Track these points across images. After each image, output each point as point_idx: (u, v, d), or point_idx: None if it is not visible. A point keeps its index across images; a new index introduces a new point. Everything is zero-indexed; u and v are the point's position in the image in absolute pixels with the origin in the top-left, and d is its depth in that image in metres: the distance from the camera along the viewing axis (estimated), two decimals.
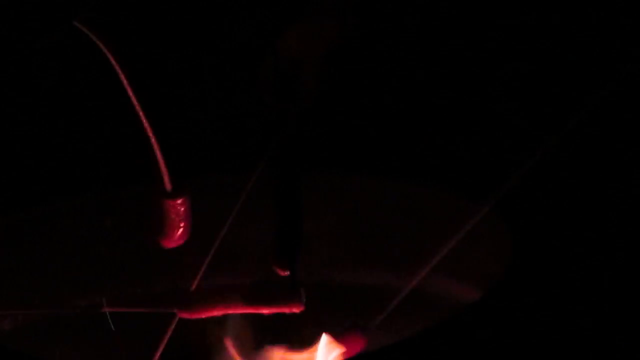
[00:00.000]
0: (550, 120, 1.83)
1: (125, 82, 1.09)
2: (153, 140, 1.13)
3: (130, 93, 1.12)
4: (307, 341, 1.26)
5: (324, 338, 1.21)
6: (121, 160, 1.62)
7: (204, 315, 1.13)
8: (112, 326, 1.21)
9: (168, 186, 1.15)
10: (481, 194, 1.41)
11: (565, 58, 2.03)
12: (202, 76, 1.85)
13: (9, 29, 1.40)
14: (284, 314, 1.13)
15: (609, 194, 1.73)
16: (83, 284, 1.34)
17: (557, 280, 1.48)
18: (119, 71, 1.09)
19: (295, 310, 1.10)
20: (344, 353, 1.26)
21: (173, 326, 1.18)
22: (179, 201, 1.16)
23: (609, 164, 1.79)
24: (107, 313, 1.21)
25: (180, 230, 1.16)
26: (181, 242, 1.19)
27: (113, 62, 1.09)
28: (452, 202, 1.38)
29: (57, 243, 1.35)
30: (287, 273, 1.18)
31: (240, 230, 1.33)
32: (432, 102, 1.94)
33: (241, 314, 1.16)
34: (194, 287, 1.22)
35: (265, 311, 1.10)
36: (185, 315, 1.13)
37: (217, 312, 1.11)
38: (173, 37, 1.89)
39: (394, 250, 1.32)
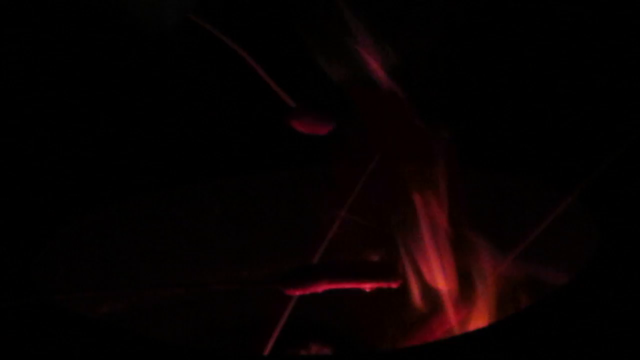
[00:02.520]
0: (633, 113, 1.86)
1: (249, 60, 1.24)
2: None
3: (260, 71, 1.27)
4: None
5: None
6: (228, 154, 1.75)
7: (308, 292, 1.22)
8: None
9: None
10: (569, 184, 1.47)
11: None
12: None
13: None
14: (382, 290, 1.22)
15: None
16: (192, 266, 1.47)
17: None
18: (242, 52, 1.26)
19: (394, 285, 1.19)
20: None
21: (291, 305, 1.29)
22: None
23: None
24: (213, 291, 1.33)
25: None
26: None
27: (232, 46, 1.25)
28: (544, 193, 1.43)
29: (168, 227, 1.46)
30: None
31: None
32: (524, 101, 2.02)
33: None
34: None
35: (366, 286, 1.19)
36: (291, 292, 1.22)
37: (320, 289, 1.20)
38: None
39: (488, 237, 1.40)
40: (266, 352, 1.31)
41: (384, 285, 1.21)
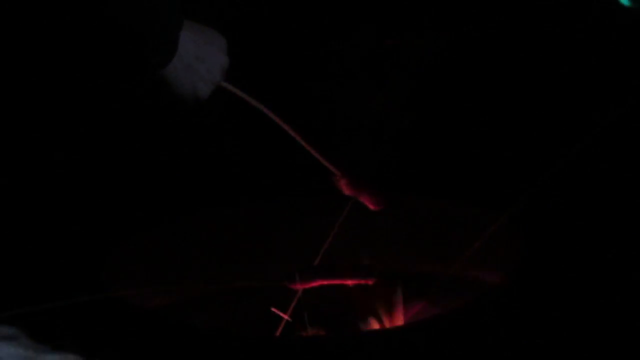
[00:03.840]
0: (557, 133, 2.21)
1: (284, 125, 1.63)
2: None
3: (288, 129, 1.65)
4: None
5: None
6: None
7: (307, 287, 1.64)
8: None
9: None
10: (501, 208, 1.83)
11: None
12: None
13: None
14: (360, 286, 1.65)
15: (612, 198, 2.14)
16: (223, 269, 1.88)
17: (561, 273, 1.92)
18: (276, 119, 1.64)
19: (369, 282, 1.62)
20: None
21: (297, 297, 1.69)
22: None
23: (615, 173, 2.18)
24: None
25: None
26: None
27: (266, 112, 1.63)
28: (480, 215, 1.82)
29: (205, 241, 1.88)
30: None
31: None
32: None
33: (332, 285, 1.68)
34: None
35: (349, 283, 1.62)
36: (295, 287, 1.64)
37: (316, 284, 1.63)
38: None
39: (434, 247, 1.82)
40: (277, 334, 1.73)
41: (362, 282, 1.64)
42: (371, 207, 1.72)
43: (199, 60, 1.58)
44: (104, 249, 1.89)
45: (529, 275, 1.79)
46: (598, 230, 2.06)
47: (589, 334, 1.86)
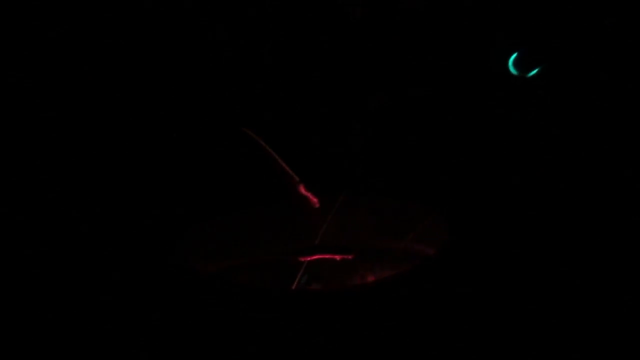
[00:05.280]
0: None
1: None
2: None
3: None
4: None
5: None
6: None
7: (310, 259, 2.46)
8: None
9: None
10: (435, 201, 2.51)
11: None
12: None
13: None
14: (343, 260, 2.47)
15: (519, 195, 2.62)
16: (259, 247, 2.59)
17: (476, 249, 2.44)
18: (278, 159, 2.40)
19: (349, 257, 2.46)
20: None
21: (304, 265, 2.44)
22: None
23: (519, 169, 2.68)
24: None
25: None
26: None
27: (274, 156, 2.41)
28: (417, 209, 2.52)
29: (247, 231, 2.60)
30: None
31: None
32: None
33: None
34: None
35: (337, 257, 2.45)
36: (303, 259, 2.46)
37: (316, 258, 2.46)
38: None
39: (391, 231, 2.54)
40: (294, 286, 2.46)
41: (345, 257, 2.48)
42: (314, 202, 2.47)
43: None
44: (177, 232, 2.50)
45: (452, 250, 2.41)
46: (503, 216, 2.59)
47: (497, 292, 2.36)
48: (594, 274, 2.42)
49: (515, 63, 2.44)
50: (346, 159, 2.64)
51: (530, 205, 2.62)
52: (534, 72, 2.44)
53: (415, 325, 2.23)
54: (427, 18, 2.61)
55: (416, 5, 2.49)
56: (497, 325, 2.28)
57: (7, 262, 2.59)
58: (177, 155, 2.77)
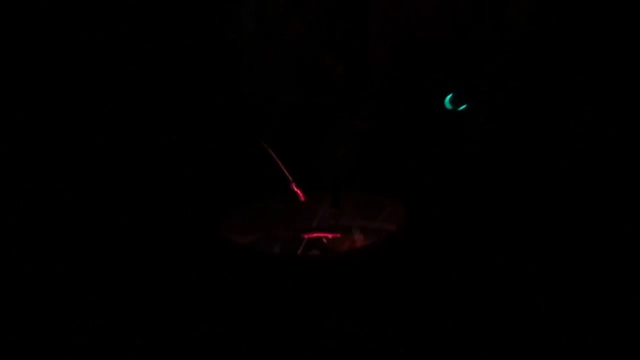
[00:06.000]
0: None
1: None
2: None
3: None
4: None
5: None
6: None
7: (311, 236, 3.43)
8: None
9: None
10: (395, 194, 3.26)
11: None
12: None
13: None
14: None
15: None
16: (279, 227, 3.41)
17: (429, 229, 3.20)
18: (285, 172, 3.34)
19: (338, 235, 3.49)
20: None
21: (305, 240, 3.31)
22: None
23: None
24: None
25: None
26: None
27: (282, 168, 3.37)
28: (384, 200, 3.30)
29: (272, 214, 3.41)
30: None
31: None
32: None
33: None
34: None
35: (329, 235, 3.47)
36: (306, 236, 3.33)
37: (314, 236, 3.46)
38: None
39: (365, 214, 3.34)
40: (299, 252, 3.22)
41: (334, 235, 3.41)
42: (301, 197, 3.34)
43: None
44: (219, 216, 3.22)
45: (409, 228, 3.07)
46: (447, 204, 3.32)
47: (440, 253, 3.06)
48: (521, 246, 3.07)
49: (450, 101, 3.40)
50: (333, 164, 3.57)
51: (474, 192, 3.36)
52: (463, 107, 3.40)
53: (383, 278, 3.02)
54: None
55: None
56: (437, 278, 3.05)
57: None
58: (213, 160, 3.60)
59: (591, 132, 3.23)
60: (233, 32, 3.42)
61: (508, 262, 3.06)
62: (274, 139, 3.34)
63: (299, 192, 3.33)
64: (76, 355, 2.86)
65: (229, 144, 3.57)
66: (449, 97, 3.31)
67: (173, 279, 3.15)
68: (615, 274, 2.96)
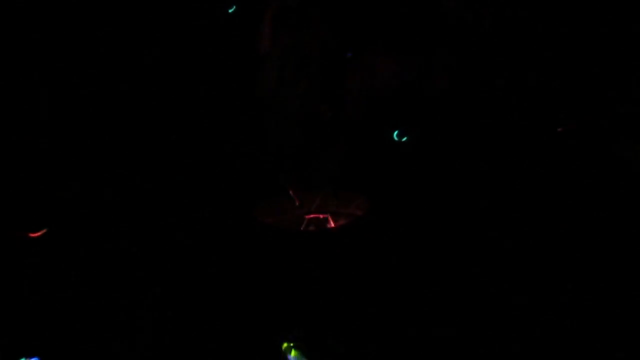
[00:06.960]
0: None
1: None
2: None
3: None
4: None
5: None
6: None
7: (310, 217, 5.69)
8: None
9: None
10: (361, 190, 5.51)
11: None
12: None
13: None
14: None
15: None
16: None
17: (387, 215, 5.07)
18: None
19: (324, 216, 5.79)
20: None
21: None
22: None
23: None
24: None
25: None
26: None
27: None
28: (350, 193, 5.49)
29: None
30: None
31: None
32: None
33: None
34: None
35: (321, 217, 5.73)
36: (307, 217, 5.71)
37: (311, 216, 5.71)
38: None
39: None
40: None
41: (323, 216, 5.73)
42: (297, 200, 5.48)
43: None
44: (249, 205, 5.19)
45: (371, 213, 4.97)
46: (402, 196, 5.27)
47: (400, 236, 4.63)
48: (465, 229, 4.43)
49: (396, 135, 5.59)
50: (322, 173, 5.78)
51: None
52: (404, 139, 5.58)
53: (355, 244, 4.84)
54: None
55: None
56: (392, 246, 4.67)
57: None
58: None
59: (533, 104, 4.57)
60: (260, 91, 5.30)
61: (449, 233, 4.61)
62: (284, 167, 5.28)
63: (294, 196, 5.29)
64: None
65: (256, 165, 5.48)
66: (396, 132, 5.41)
67: (220, 247, 4.83)
68: (583, 258, 3.97)
